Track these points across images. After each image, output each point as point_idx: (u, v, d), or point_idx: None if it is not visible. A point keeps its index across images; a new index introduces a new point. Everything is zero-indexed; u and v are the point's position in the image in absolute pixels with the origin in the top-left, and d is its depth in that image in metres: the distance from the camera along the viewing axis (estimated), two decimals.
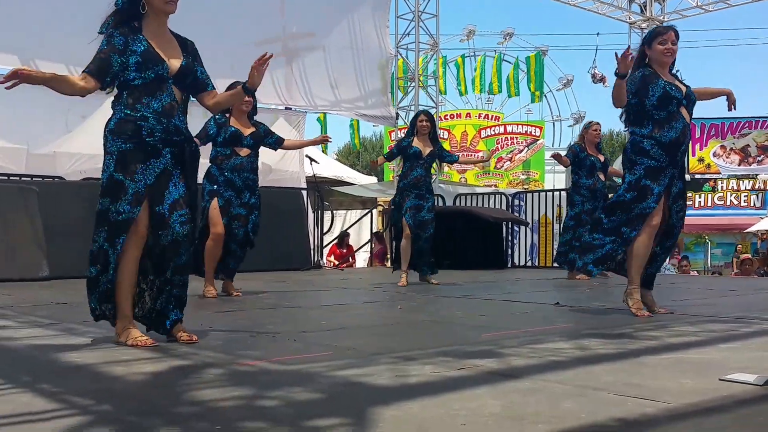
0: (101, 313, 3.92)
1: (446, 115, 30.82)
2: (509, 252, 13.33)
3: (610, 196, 7.88)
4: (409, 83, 16.86)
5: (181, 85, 3.95)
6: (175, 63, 3.90)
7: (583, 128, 9.62)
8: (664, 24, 23.58)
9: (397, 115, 15.92)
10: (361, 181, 21.39)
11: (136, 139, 3.77)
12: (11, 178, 9.89)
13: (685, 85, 5.29)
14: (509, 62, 33.21)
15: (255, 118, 6.89)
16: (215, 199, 6.56)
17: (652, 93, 5.12)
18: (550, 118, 35.97)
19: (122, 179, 3.75)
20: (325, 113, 22.00)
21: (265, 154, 13.00)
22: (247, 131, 6.71)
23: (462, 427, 2.26)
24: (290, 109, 14.13)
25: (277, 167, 13.42)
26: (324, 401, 2.60)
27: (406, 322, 5.08)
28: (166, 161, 3.85)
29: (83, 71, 3.77)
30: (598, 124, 9.44)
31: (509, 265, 12.95)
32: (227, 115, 6.66)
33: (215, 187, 6.59)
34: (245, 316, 5.32)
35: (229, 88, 5.30)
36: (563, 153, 9.68)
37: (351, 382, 2.92)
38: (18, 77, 3.51)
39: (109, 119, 3.85)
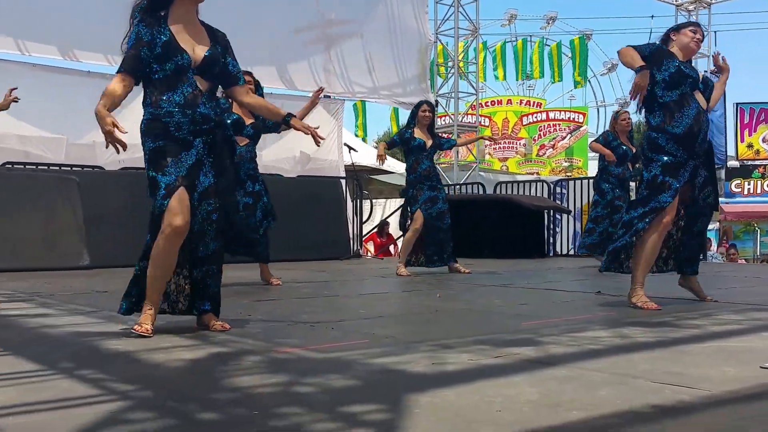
0: (129, 308, 3.94)
1: (486, 102, 30.61)
2: (551, 240, 13.23)
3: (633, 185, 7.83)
4: (449, 70, 16.80)
5: (208, 75, 3.91)
6: (199, 53, 3.86)
7: (612, 117, 9.49)
8: (712, 4, 23.28)
9: (437, 102, 15.85)
10: (400, 169, 21.33)
11: (166, 136, 3.78)
12: (51, 168, 10.05)
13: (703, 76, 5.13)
14: (551, 47, 32.88)
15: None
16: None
17: (665, 67, 4.92)
18: (594, 104, 35.52)
19: (155, 175, 3.77)
20: (363, 101, 22.01)
21: (304, 144, 13.08)
22: (249, 120, 6.69)
23: (498, 414, 2.26)
24: (329, 97, 14.16)
25: (315, 156, 13.48)
26: (360, 388, 2.61)
27: (445, 311, 5.07)
28: (198, 152, 3.85)
29: (118, 72, 3.80)
30: (626, 112, 9.30)
31: (551, 254, 12.87)
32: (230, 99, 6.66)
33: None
34: (284, 304, 5.35)
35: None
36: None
37: (388, 370, 2.93)
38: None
39: (142, 120, 3.87)
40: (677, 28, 5.16)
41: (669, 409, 2.32)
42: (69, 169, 10.12)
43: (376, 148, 19.35)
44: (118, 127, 3.56)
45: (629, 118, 9.20)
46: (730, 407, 2.38)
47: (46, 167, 10.02)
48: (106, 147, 3.68)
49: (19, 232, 8.66)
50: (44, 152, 11.12)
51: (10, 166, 9.85)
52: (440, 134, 7.65)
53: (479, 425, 2.12)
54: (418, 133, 8.22)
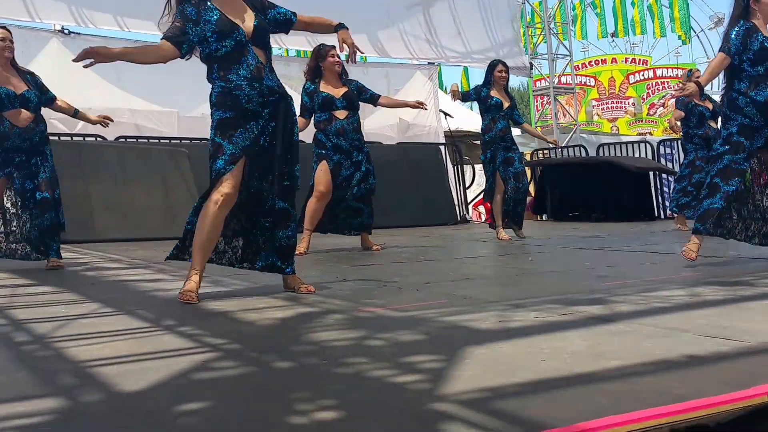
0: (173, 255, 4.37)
1: (590, 62, 30.01)
2: (660, 202, 13.10)
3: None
4: (547, 31, 16.72)
5: (261, 43, 4.12)
6: (249, 25, 4.06)
7: (686, 77, 9.40)
8: None
9: (531, 65, 15.81)
10: None
11: (237, 108, 4.03)
12: (162, 141, 10.63)
13: None
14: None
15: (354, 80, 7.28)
16: (324, 161, 6.88)
17: (750, 47, 5.06)
18: (704, 59, 34.23)
19: (220, 141, 4.03)
20: (466, 67, 22.01)
21: (403, 112, 13.35)
22: (339, 93, 6.93)
23: (541, 363, 2.49)
24: (432, 64, 14.39)
25: (414, 122, 13.71)
26: (424, 342, 2.88)
27: (530, 273, 5.28)
28: (264, 122, 4.09)
29: (161, 38, 4.07)
30: (698, 70, 9.33)
31: (661, 217, 12.75)
32: (316, 80, 6.96)
33: (323, 151, 6.91)
34: (379, 269, 5.67)
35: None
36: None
37: (455, 326, 3.18)
38: (89, 56, 3.85)
39: (210, 93, 4.13)
40: None
41: (701, 358, 2.49)
42: (178, 141, 10.66)
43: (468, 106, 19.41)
44: (91, 58, 3.87)
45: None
46: (760, 357, 2.53)
47: (157, 140, 10.61)
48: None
49: (141, 203, 9.26)
50: (156, 126, 11.69)
51: (123, 140, 10.45)
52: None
53: (521, 371, 2.35)
54: (494, 92, 8.33)
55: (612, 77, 30.11)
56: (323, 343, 2.87)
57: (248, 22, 4.08)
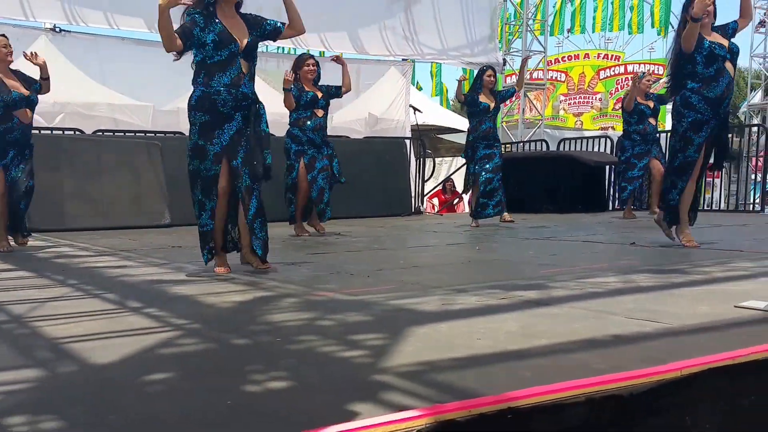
0: (208, 256, 4.83)
1: (564, 57, 30.39)
2: (617, 196, 13.44)
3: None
4: (524, 29, 17.02)
5: (249, 56, 4.72)
6: (244, 40, 4.66)
7: (638, 79, 9.97)
8: None
9: (504, 61, 16.10)
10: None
11: (213, 111, 4.58)
12: (137, 134, 10.85)
13: (727, 38, 5.74)
14: None
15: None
16: (302, 158, 7.65)
17: (700, 50, 5.64)
18: None
19: (204, 144, 4.61)
20: (437, 63, 22.27)
21: (373, 106, 13.63)
22: (319, 95, 7.67)
23: (476, 341, 2.74)
24: (405, 60, 14.67)
25: (383, 117, 13.96)
26: (371, 323, 3.13)
27: (477, 261, 5.55)
28: (238, 123, 4.66)
29: (174, 30, 4.50)
30: (651, 74, 10.13)
31: (612, 208, 13.10)
32: (297, 83, 7.63)
33: (299, 147, 7.67)
34: (334, 257, 5.91)
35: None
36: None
37: (401, 309, 3.43)
38: None
39: (191, 95, 4.63)
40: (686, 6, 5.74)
41: (623, 338, 2.73)
42: (153, 135, 10.89)
43: (453, 105, 19.76)
44: None
45: (651, 80, 10.07)
46: (677, 337, 2.78)
47: (132, 134, 10.82)
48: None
49: (110, 194, 9.49)
50: (132, 119, 11.91)
51: (100, 133, 10.68)
52: None
53: (457, 348, 2.60)
54: (483, 97, 8.93)
55: (583, 73, 30.42)
56: (278, 323, 3.12)
57: (244, 39, 4.69)
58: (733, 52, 5.75)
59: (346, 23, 13.38)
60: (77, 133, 10.47)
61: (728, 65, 5.72)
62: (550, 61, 29.17)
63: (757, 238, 6.88)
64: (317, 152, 7.71)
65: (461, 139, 19.42)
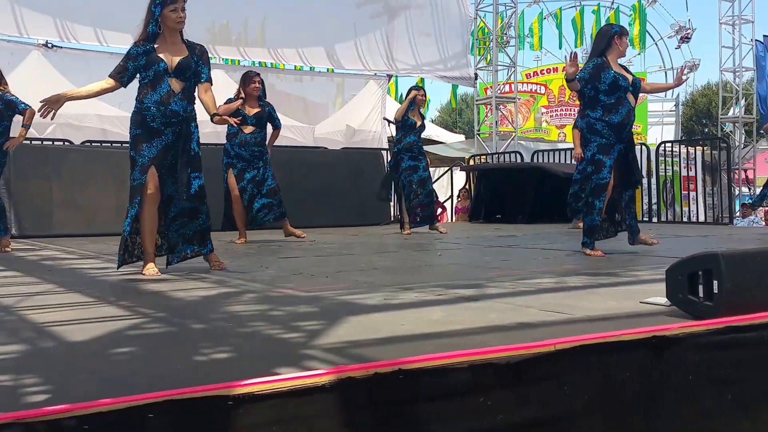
0: (122, 260, 5.24)
1: (542, 70, 30.95)
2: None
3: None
4: (494, 44, 17.51)
5: (182, 76, 5.12)
6: (175, 60, 5.11)
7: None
8: None
9: (476, 75, 16.63)
10: (448, 140, 22.20)
11: (144, 125, 5.06)
12: (124, 144, 11.33)
13: (631, 74, 6.38)
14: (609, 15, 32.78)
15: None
16: (230, 169, 8.25)
17: (603, 80, 6.18)
18: (657, 68, 34.78)
19: (134, 155, 5.11)
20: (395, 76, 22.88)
21: (351, 119, 14.22)
22: (252, 112, 8.18)
23: (401, 326, 3.17)
24: (379, 75, 15.19)
25: (360, 128, 14.51)
26: (315, 313, 3.57)
27: (433, 265, 6.01)
28: (167, 139, 5.10)
29: (108, 75, 5.15)
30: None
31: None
32: (241, 97, 8.18)
33: (228, 160, 8.28)
34: (301, 260, 6.37)
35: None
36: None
37: (345, 303, 3.86)
38: (49, 105, 4.91)
39: (132, 112, 5.16)
40: (620, 34, 6.39)
41: (526, 325, 3.15)
42: None
43: (439, 117, 20.19)
44: (53, 109, 4.93)
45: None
46: (570, 325, 3.17)
47: (119, 144, 11.32)
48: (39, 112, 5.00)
49: (96, 202, 10.00)
50: (121, 130, 12.42)
51: (89, 144, 11.21)
52: None
53: (380, 331, 3.04)
54: (411, 114, 9.72)
55: (562, 86, 30.94)
56: (234, 313, 3.59)
57: (176, 59, 5.10)
58: (636, 86, 6.33)
59: (323, 39, 13.98)
60: (66, 144, 10.98)
61: (630, 96, 6.28)
62: (529, 74, 29.77)
63: (707, 246, 7.29)
64: (246, 165, 8.25)
65: (441, 150, 20.02)
